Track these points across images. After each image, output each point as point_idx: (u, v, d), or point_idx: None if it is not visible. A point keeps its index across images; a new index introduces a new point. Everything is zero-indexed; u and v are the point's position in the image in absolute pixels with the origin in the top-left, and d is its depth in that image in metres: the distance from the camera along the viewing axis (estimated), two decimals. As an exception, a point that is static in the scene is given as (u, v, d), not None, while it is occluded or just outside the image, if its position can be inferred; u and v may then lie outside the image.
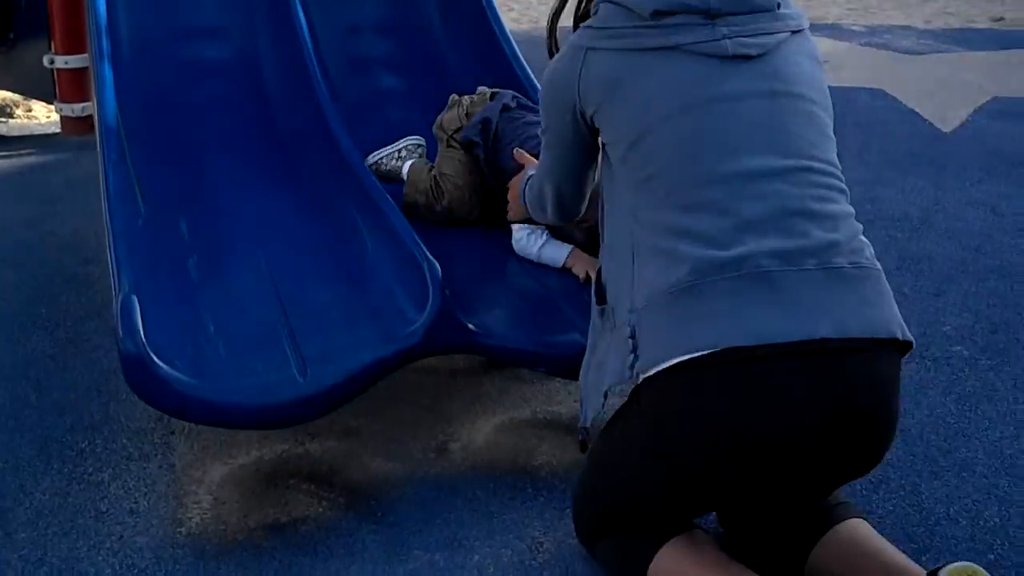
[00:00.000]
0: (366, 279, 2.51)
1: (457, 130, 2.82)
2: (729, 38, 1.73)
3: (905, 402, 2.59)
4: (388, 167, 3.00)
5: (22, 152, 4.44)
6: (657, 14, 1.74)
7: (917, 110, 5.15)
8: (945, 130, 4.84)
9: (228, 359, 2.18)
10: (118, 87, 2.97)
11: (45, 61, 4.40)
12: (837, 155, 1.77)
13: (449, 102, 2.93)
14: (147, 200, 2.69)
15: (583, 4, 1.96)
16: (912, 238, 3.62)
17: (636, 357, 1.66)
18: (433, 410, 2.52)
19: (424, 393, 2.59)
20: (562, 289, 2.49)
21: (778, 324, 1.56)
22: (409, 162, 2.97)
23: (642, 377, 1.66)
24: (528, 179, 2.28)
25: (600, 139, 1.88)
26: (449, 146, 2.85)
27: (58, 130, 4.62)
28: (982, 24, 7.41)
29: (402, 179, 2.93)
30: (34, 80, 4.51)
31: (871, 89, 5.52)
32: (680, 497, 1.75)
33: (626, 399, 1.80)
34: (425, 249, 2.38)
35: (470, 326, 2.23)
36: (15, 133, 4.87)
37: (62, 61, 4.38)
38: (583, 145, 1.95)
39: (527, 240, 2.61)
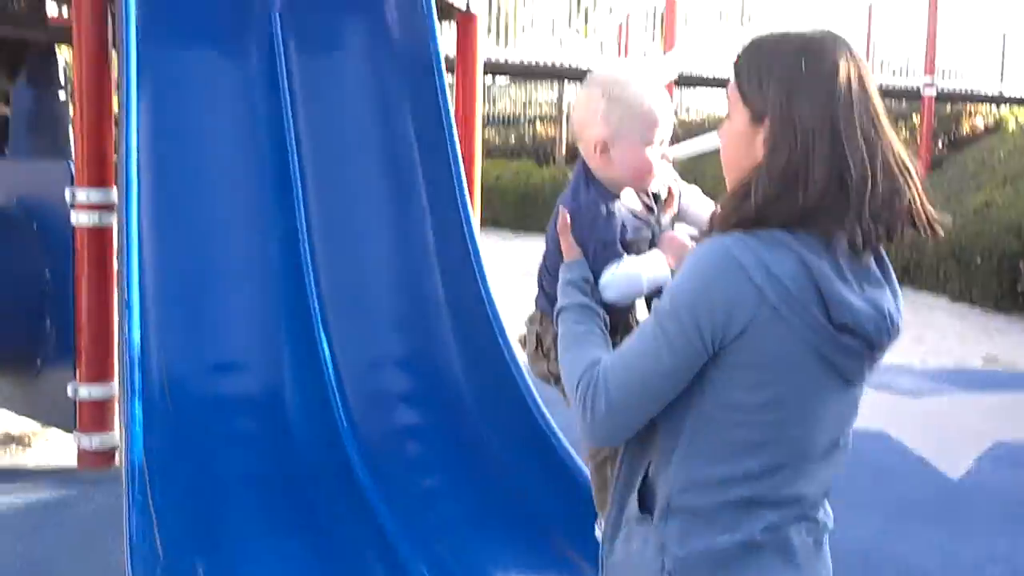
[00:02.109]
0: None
1: None
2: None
3: None
4: None
5: (35, 485, 4.34)
6: (842, 328, 1.69)
7: (923, 455, 5.18)
8: (953, 477, 4.86)
9: None
10: (146, 424, 2.99)
11: (69, 390, 4.37)
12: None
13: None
14: (166, 545, 2.66)
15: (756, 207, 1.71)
16: (933, 596, 3.55)
17: None
18: None
19: None
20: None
21: None
22: None
23: None
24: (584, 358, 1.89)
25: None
26: None
27: (74, 462, 4.53)
28: (976, 363, 7.60)
29: None
30: (55, 409, 4.46)
31: (876, 432, 5.58)
32: None
33: None
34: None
35: None
36: (30, 465, 4.80)
37: (86, 391, 4.34)
38: (691, 366, 1.70)
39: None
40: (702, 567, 1.71)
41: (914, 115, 14.90)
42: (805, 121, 1.69)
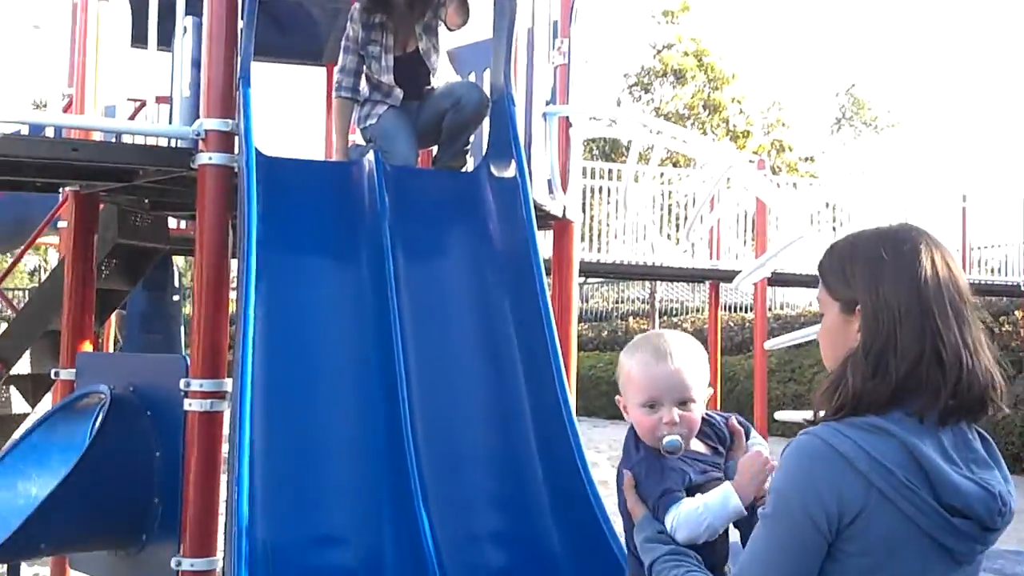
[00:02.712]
0: None
1: None
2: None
3: None
4: None
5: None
6: (953, 511, 1.67)
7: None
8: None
9: None
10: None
11: (172, 563, 4.46)
12: None
13: None
14: None
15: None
16: None
17: None
18: None
19: None
20: None
21: None
22: None
23: None
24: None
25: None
26: None
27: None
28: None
29: None
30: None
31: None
32: None
33: None
34: None
35: None
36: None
37: (189, 563, 4.43)
38: (810, 564, 1.70)
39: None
40: None
41: (1016, 311, 14.74)
42: (892, 301, 1.73)
